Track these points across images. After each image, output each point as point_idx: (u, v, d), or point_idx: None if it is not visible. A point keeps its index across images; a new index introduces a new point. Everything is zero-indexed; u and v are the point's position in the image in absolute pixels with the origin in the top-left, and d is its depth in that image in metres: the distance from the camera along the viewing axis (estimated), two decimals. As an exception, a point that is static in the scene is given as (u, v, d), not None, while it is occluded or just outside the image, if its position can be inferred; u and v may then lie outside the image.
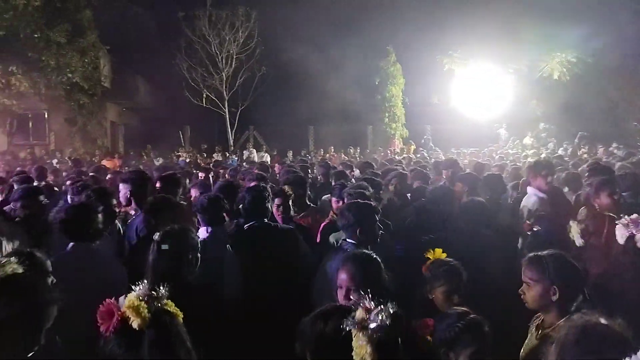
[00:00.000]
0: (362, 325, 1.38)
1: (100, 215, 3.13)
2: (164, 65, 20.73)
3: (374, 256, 2.32)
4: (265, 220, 3.52)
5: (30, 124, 17.79)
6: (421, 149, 17.81)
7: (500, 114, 19.37)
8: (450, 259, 2.65)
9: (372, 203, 3.29)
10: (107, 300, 1.49)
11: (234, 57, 20.85)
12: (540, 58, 18.80)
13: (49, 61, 15.15)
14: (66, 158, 13.45)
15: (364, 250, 2.42)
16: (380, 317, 1.39)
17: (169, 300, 1.56)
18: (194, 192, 5.04)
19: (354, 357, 1.37)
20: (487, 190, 4.67)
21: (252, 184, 4.67)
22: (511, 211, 4.82)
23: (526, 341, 2.31)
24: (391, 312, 1.41)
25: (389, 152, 17.34)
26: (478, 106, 19.68)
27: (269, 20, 20.53)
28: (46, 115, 17.76)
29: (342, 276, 2.20)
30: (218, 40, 20.44)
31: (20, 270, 1.78)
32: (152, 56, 20.09)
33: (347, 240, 3.02)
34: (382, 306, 1.43)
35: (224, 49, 20.71)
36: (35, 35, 15.06)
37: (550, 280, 2.16)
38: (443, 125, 20.57)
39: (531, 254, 2.31)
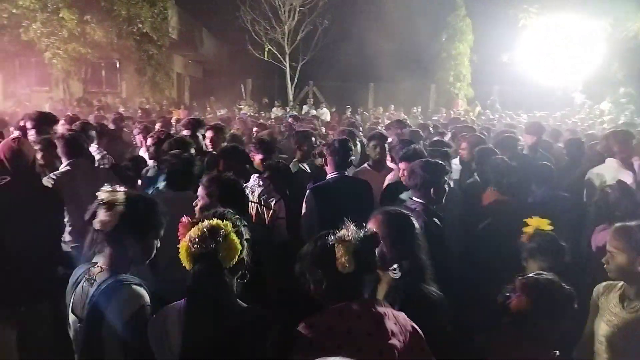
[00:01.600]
0: (342, 240, 1.71)
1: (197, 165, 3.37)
2: (228, 18, 20.94)
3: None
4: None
5: (103, 72, 18.70)
6: (487, 110, 17.02)
7: (577, 76, 17.98)
8: (552, 233, 2.57)
9: (443, 163, 3.22)
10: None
11: (297, 9, 20.60)
12: (626, 16, 17.02)
13: (120, 11, 15.67)
14: (137, 108, 14.11)
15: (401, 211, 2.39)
16: (356, 233, 1.74)
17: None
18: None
19: (337, 265, 1.69)
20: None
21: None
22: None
23: (606, 314, 2.26)
24: (368, 231, 1.80)
25: (451, 112, 16.74)
26: (552, 67, 18.32)
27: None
28: (118, 65, 18.58)
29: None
30: (281, -8, 20.22)
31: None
32: (216, 9, 20.30)
33: (414, 199, 2.98)
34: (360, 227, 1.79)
35: (287, 1, 20.47)
36: (107, -16, 15.61)
37: (636, 250, 2.14)
38: (512, 87, 19.48)
39: (619, 224, 2.29)
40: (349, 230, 1.76)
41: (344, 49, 20.83)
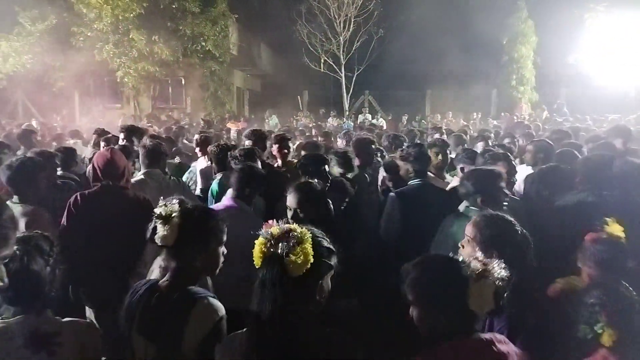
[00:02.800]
0: (485, 275, 1.52)
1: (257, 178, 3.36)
2: (284, 33, 21.44)
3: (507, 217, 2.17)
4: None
5: (170, 89, 19.72)
6: (554, 114, 16.20)
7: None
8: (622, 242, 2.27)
9: (494, 169, 3.09)
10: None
11: (352, 20, 20.74)
12: None
13: (185, 30, 16.49)
14: (200, 120, 14.69)
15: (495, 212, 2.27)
16: (499, 270, 1.54)
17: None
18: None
19: (470, 303, 1.51)
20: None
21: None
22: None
23: None
24: (504, 270, 1.56)
25: (515, 117, 16.08)
26: (622, 67, 17.16)
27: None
28: (183, 81, 19.53)
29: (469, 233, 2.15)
30: (337, 4, 20.44)
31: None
32: (274, 24, 20.87)
33: (471, 207, 2.90)
34: (498, 262, 1.57)
35: (342, 12, 20.68)
36: (173, 6, 16.45)
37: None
38: (580, 89, 18.44)
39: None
40: (487, 263, 1.56)
41: (400, 56, 20.69)
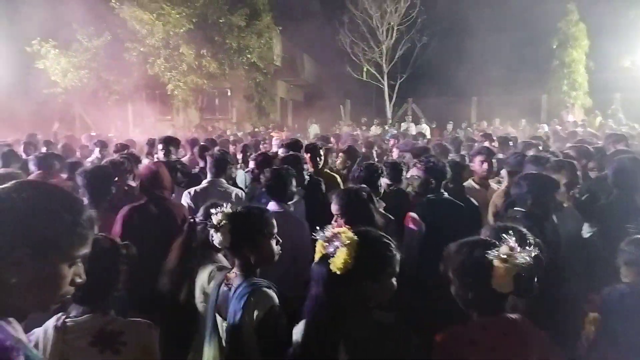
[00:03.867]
0: (505, 259, 1.63)
1: (294, 179, 3.47)
2: (327, 43, 21.65)
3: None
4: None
5: (217, 100, 20.34)
6: (609, 120, 15.45)
7: None
8: None
9: (553, 178, 3.06)
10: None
11: (395, 28, 20.69)
12: None
13: (231, 43, 16.97)
14: (246, 132, 15.06)
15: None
16: (522, 256, 1.63)
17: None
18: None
19: (492, 283, 1.64)
20: None
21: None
22: None
23: None
24: (533, 254, 1.65)
25: (562, 125, 15.46)
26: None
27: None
28: (229, 93, 20.09)
29: None
30: (379, 13, 20.47)
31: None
32: (316, 35, 21.12)
33: (518, 209, 2.90)
34: (527, 247, 1.67)
35: (385, 21, 20.68)
36: (220, 21, 16.98)
37: None
38: (636, 94, 17.50)
39: None
40: (513, 248, 1.66)
41: (444, 63, 20.42)
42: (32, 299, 1.13)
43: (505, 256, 1.64)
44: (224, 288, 2.19)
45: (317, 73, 25.43)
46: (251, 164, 4.62)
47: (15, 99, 12.95)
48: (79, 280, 1.20)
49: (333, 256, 1.64)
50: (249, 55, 17.19)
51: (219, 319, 2.19)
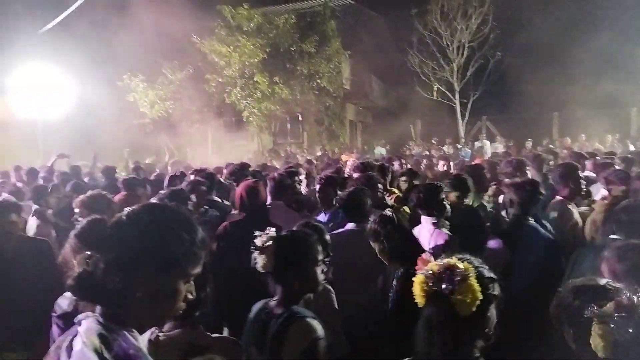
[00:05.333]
0: (603, 319, 1.35)
1: (369, 199, 3.50)
2: (395, 64, 21.67)
3: None
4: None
5: (288, 125, 20.99)
6: None
7: None
8: None
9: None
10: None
11: (466, 45, 20.29)
12: None
13: (302, 70, 17.53)
14: (318, 154, 15.36)
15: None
16: (623, 322, 1.32)
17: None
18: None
19: (590, 342, 1.36)
20: None
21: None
22: None
23: None
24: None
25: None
26: None
27: (505, 1, 19.19)
28: (300, 118, 20.67)
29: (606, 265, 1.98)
30: (449, 31, 20.21)
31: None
32: (385, 57, 21.23)
33: (613, 237, 2.60)
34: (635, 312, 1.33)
35: (455, 39, 20.37)
36: (292, 49, 17.64)
37: None
38: None
39: None
40: (619, 309, 1.36)
41: (520, 79, 19.56)
42: (152, 313, 1.24)
43: (604, 315, 1.36)
44: (263, 318, 2.10)
45: (386, 94, 25.45)
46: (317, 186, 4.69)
47: (109, 129, 14.26)
48: (190, 297, 1.30)
49: (453, 294, 1.42)
50: (319, 80, 17.62)
51: (253, 351, 2.08)
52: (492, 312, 1.51)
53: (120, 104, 16.68)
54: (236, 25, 17.14)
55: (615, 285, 1.51)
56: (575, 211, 3.94)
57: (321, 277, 2.13)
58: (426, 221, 3.44)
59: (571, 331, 1.48)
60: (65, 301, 2.32)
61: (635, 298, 1.38)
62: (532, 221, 3.36)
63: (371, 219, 3.44)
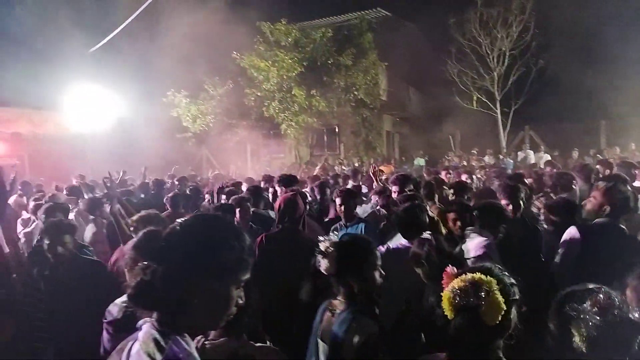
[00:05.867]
0: (580, 316, 1.56)
1: (425, 215, 3.47)
2: (433, 74, 21.45)
3: None
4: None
5: (325, 137, 21.11)
6: None
7: None
8: None
9: None
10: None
11: (507, 54, 19.87)
12: None
13: (339, 82, 17.63)
14: (354, 165, 15.36)
15: None
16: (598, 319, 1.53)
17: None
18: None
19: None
20: None
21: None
22: None
23: None
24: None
25: None
26: None
27: (547, 6, 18.71)
28: (337, 129, 20.75)
29: None
30: (489, 40, 19.87)
31: None
32: (422, 67, 21.07)
33: None
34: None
35: (496, 47, 19.99)
36: (329, 62, 17.79)
37: None
38: None
39: None
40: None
41: (564, 86, 18.93)
42: (206, 318, 1.30)
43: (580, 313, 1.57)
44: (327, 313, 2.30)
45: (424, 105, 25.21)
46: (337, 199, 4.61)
47: (153, 143, 14.81)
48: (240, 302, 1.35)
49: (480, 307, 1.54)
50: (355, 93, 17.66)
51: (320, 343, 2.29)
52: (514, 314, 1.64)
53: (164, 118, 17.32)
54: (274, 41, 17.51)
55: (598, 286, 1.67)
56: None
57: (379, 280, 2.29)
58: (471, 236, 3.40)
59: (552, 326, 1.68)
60: (115, 308, 2.42)
61: (610, 297, 1.57)
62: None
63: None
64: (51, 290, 3.34)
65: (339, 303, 2.26)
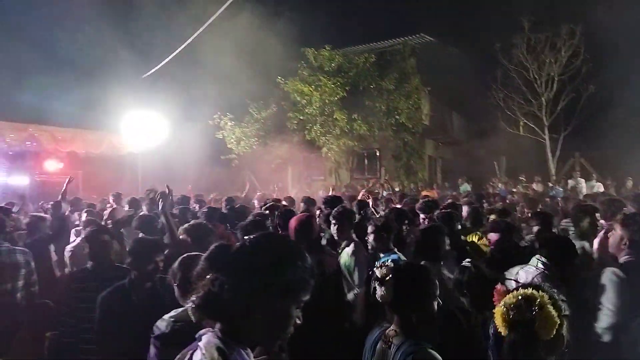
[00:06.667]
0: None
1: (446, 238, 3.39)
2: (477, 99, 21.13)
3: None
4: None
5: (366, 161, 21.08)
6: None
7: None
8: None
9: None
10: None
11: (556, 79, 19.34)
12: None
13: (381, 106, 17.65)
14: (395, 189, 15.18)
15: None
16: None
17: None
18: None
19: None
20: None
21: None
22: None
23: None
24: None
25: None
26: None
27: (598, 32, 18.14)
28: (377, 153, 20.70)
29: None
30: (536, 65, 19.44)
31: None
32: (466, 92, 20.82)
33: None
34: None
35: (544, 72, 19.52)
36: (371, 86, 17.90)
37: None
38: None
39: None
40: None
41: (617, 112, 18.11)
42: (267, 334, 1.33)
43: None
44: (382, 345, 2.16)
45: (467, 130, 24.81)
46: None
47: (200, 164, 15.31)
48: (298, 322, 1.36)
49: (534, 322, 1.57)
50: (397, 117, 17.59)
51: None
52: (566, 330, 1.64)
53: (210, 140, 17.88)
54: (318, 66, 17.84)
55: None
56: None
57: (436, 310, 2.19)
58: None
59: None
60: (163, 323, 2.46)
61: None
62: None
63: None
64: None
65: (394, 334, 2.13)
